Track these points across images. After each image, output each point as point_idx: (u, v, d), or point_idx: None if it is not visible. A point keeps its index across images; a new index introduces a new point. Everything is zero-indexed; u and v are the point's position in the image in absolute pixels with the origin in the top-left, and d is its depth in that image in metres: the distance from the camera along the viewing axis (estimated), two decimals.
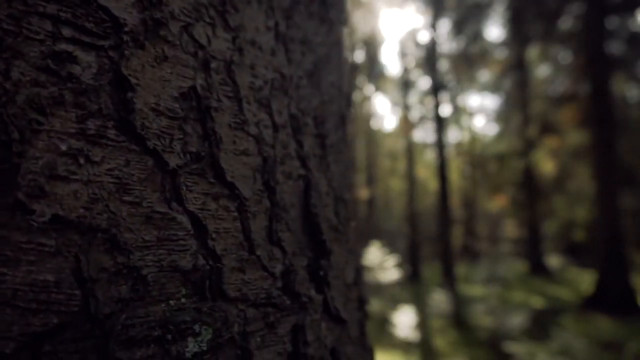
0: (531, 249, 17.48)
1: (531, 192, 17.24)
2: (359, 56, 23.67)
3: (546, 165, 20.44)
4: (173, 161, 0.36)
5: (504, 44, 17.43)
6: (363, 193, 24.86)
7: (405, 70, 16.59)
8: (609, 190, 10.80)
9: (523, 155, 16.96)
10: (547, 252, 18.83)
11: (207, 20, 0.40)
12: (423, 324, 9.48)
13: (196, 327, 0.34)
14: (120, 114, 0.34)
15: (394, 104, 26.54)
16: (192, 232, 0.36)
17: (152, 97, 0.35)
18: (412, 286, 14.45)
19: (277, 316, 0.42)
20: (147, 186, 0.35)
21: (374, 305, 11.32)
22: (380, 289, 11.16)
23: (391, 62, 70.27)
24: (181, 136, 0.37)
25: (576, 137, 15.56)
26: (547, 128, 16.36)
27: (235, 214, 0.40)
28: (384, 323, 9.13)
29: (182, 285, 0.35)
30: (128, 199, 0.34)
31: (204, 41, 0.39)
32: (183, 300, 0.35)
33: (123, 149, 0.34)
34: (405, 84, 16.77)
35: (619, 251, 10.45)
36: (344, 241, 0.67)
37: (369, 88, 27.61)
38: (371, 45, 22.52)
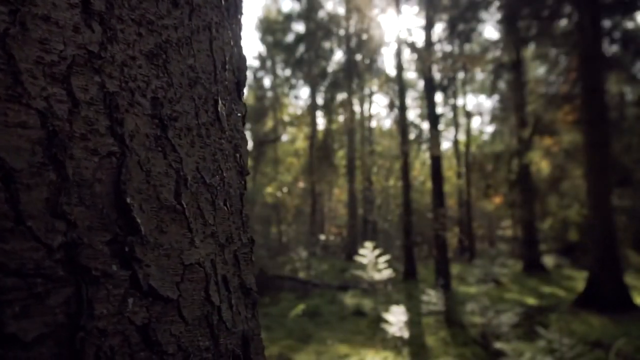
0: (527, 249, 17.49)
1: (526, 191, 17.24)
2: (356, 56, 23.72)
3: (541, 165, 20.44)
4: None
5: (499, 43, 17.42)
6: (358, 192, 24.87)
7: (401, 70, 16.59)
8: (602, 189, 10.80)
9: (518, 155, 16.97)
10: (543, 252, 18.83)
11: None
12: (415, 323, 9.49)
13: None
14: None
15: (391, 103, 26.55)
16: None
17: None
18: (407, 285, 14.45)
19: (48, 287, 0.42)
20: None
21: (367, 304, 11.35)
22: (374, 287, 11.19)
23: (388, 62, 70.46)
24: None
25: (571, 137, 15.55)
26: (542, 128, 16.36)
27: None
28: (377, 321, 9.16)
29: None
30: None
31: None
32: None
33: None
34: (401, 84, 16.77)
35: (612, 250, 10.45)
36: (198, 224, 0.67)
37: (365, 87, 27.65)
38: (368, 45, 22.55)
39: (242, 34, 0.97)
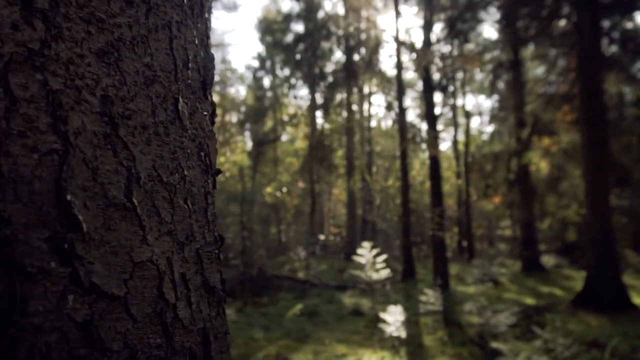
0: (525, 248, 17.47)
1: (525, 191, 17.22)
2: (355, 56, 23.72)
3: (540, 165, 20.42)
4: None
5: (497, 43, 17.41)
6: (357, 192, 24.86)
7: (400, 70, 16.58)
8: (601, 189, 10.78)
9: (517, 155, 16.95)
10: (542, 252, 18.82)
11: None
12: (413, 322, 9.49)
13: None
14: None
15: (390, 103, 26.57)
16: None
17: None
18: (406, 285, 14.45)
19: None
20: None
21: (365, 304, 11.34)
22: (372, 287, 11.19)
23: (387, 62, 70.42)
24: None
25: (570, 137, 15.54)
26: (541, 128, 16.34)
27: None
28: (375, 321, 9.16)
29: None
30: None
31: None
32: None
33: None
34: (400, 84, 16.75)
35: (610, 250, 10.43)
36: (152, 221, 0.67)
37: (364, 87, 27.65)
38: (367, 45, 22.54)
39: (210, 32, 0.97)
